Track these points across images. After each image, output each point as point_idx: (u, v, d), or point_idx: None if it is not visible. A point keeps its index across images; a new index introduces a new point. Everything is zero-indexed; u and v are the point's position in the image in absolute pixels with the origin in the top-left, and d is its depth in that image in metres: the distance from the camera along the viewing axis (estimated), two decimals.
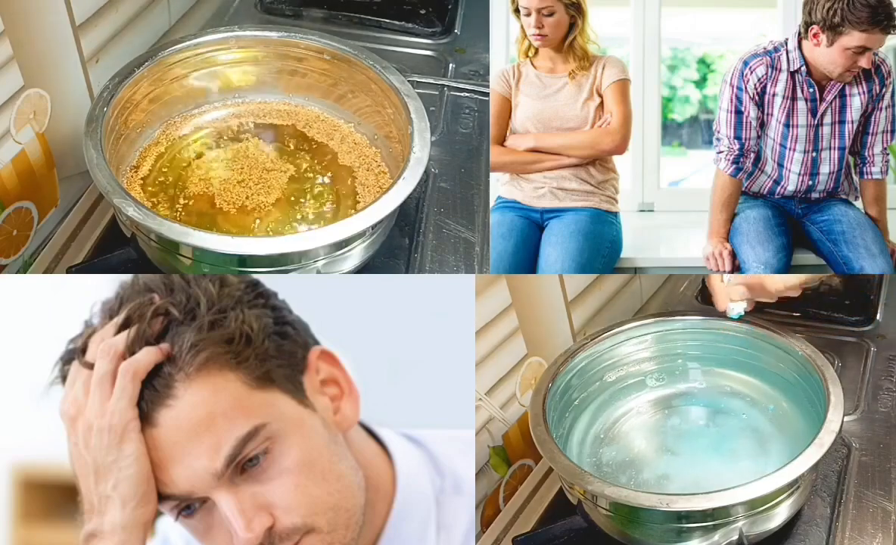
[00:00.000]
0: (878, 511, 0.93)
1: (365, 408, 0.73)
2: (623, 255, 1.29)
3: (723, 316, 1.03)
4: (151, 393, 0.64)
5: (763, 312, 1.29)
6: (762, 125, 1.25)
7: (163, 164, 1.02)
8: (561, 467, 0.86)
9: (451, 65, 1.35)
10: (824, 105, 1.23)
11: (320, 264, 0.87)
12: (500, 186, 1.32)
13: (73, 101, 1.04)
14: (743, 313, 1.00)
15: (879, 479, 0.97)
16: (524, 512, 1.04)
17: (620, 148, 1.28)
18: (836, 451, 0.99)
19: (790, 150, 1.25)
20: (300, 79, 1.09)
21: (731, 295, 1.00)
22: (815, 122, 1.24)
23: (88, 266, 0.99)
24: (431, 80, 1.29)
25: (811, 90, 1.23)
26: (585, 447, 0.99)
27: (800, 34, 1.21)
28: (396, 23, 1.40)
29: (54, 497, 1.37)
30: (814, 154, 1.25)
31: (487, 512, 1.02)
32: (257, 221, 0.96)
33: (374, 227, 0.87)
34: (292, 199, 0.99)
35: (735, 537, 0.82)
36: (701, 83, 1.63)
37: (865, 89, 1.23)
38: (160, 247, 0.87)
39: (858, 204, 1.30)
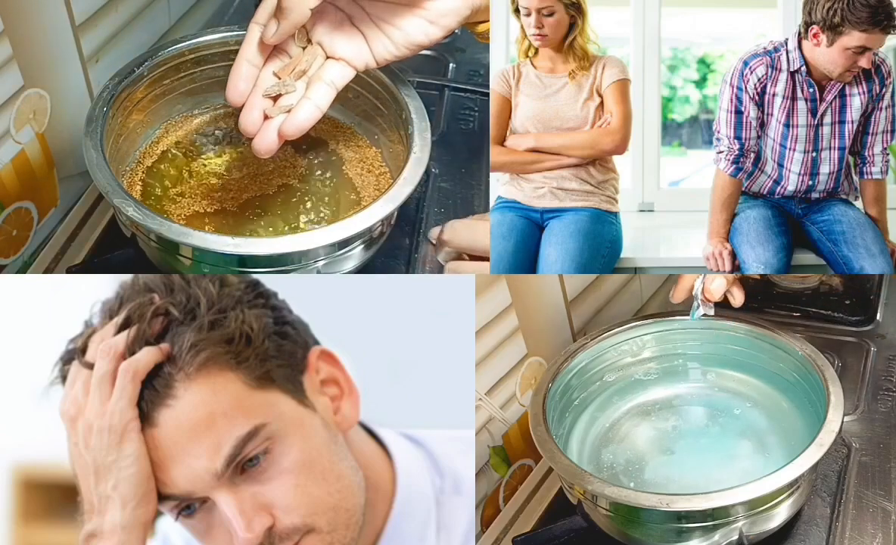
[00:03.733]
0: (878, 511, 0.93)
1: (365, 408, 0.73)
2: (623, 254, 1.29)
3: (722, 316, 1.03)
4: (151, 393, 0.64)
5: (763, 312, 1.29)
6: (762, 125, 1.26)
7: (163, 164, 1.02)
8: (561, 467, 0.86)
9: (451, 65, 1.34)
10: (824, 105, 1.23)
11: (320, 264, 0.87)
12: (500, 186, 1.32)
13: (73, 101, 1.04)
14: (701, 317, 1.00)
15: (879, 479, 0.97)
16: (524, 512, 1.04)
17: (620, 148, 1.28)
18: (836, 451, 0.99)
19: (790, 150, 1.25)
20: None
21: (711, 295, 0.99)
22: (815, 122, 1.24)
23: (88, 266, 0.99)
24: (431, 80, 1.29)
25: (811, 90, 1.23)
26: (585, 447, 0.99)
27: (800, 34, 1.22)
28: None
29: (54, 497, 1.37)
30: (814, 154, 1.25)
31: (487, 512, 1.02)
32: (257, 221, 0.96)
33: (373, 227, 0.87)
34: (293, 199, 0.99)
35: (735, 537, 0.82)
36: (701, 83, 1.63)
37: (865, 89, 1.23)
38: (160, 247, 0.87)
39: (858, 204, 1.30)
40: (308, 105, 0.87)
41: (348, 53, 0.89)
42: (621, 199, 1.32)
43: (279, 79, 0.88)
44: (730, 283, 0.99)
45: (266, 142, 0.87)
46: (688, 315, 1.06)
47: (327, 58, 0.90)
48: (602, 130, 1.27)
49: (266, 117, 0.87)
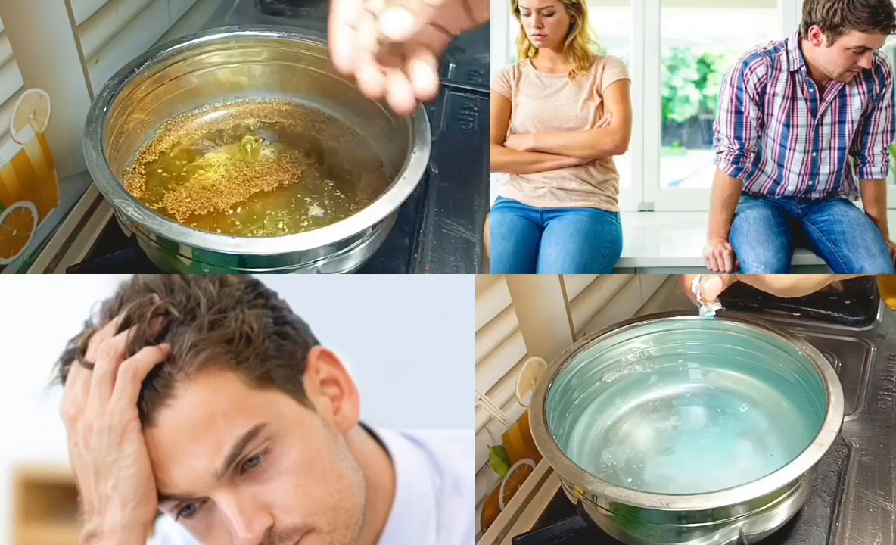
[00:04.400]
0: (878, 511, 0.92)
1: (365, 408, 0.73)
2: (623, 254, 1.29)
3: (722, 315, 1.02)
4: (151, 393, 0.64)
5: (763, 312, 1.29)
6: (762, 125, 1.25)
7: (163, 164, 1.02)
8: (561, 467, 0.86)
9: (451, 65, 1.34)
10: (824, 105, 1.23)
11: (320, 264, 0.87)
12: (500, 186, 1.32)
13: (73, 101, 1.04)
14: (714, 316, 0.98)
15: (879, 479, 0.97)
16: (524, 512, 1.04)
17: (620, 148, 1.28)
18: (836, 451, 0.99)
19: (790, 150, 1.25)
20: (300, 78, 1.09)
21: (705, 295, 0.97)
22: (815, 122, 1.24)
23: (88, 266, 0.99)
24: None
25: (811, 90, 1.23)
26: (585, 447, 0.99)
27: (800, 34, 1.22)
28: None
29: (54, 497, 1.37)
30: (814, 154, 1.25)
31: (487, 512, 1.02)
32: (257, 221, 0.96)
33: (374, 226, 0.87)
34: (292, 199, 0.99)
35: (735, 537, 0.82)
36: (701, 83, 1.63)
37: (865, 89, 1.23)
38: (160, 247, 0.87)
39: (858, 204, 1.30)
40: (429, 69, 0.82)
41: (444, 21, 0.83)
42: (621, 199, 1.32)
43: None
44: (726, 283, 0.98)
45: (406, 101, 0.81)
46: (689, 315, 1.06)
47: None
48: (602, 130, 1.27)
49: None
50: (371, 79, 0.81)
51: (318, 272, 0.88)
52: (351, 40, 0.80)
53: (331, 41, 0.81)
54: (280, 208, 0.98)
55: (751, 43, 1.27)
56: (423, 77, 0.81)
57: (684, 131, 1.65)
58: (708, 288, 0.97)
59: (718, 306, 0.98)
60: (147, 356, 0.64)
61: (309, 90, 1.10)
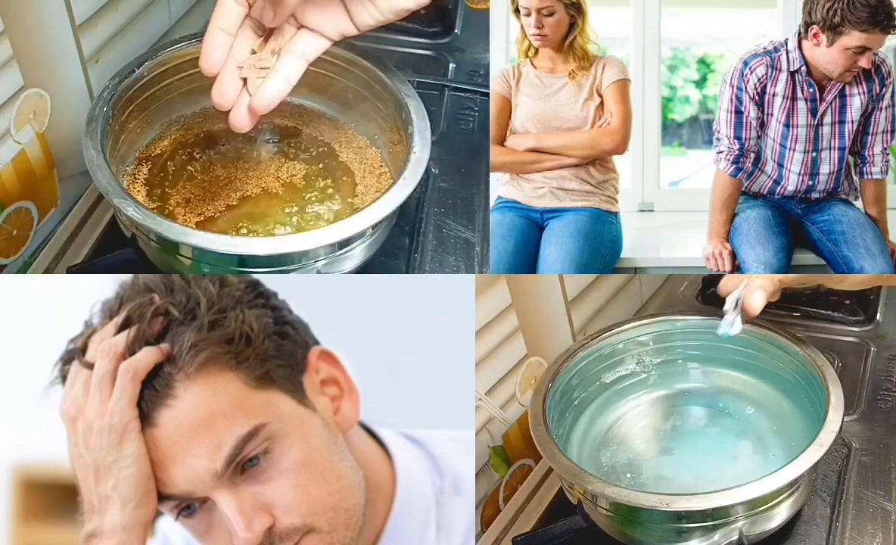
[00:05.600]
0: (878, 511, 0.92)
1: (365, 408, 0.73)
2: (623, 254, 1.29)
3: (723, 316, 1.02)
4: (151, 393, 0.64)
5: (763, 312, 1.29)
6: (762, 125, 1.26)
7: (163, 163, 1.02)
8: (561, 467, 0.86)
9: (451, 65, 1.34)
10: (824, 105, 1.23)
11: (320, 264, 0.87)
12: (500, 186, 1.32)
13: (73, 101, 1.04)
14: (730, 333, 0.91)
15: (879, 479, 0.97)
16: (524, 512, 1.04)
17: (620, 148, 1.29)
18: (836, 451, 0.99)
19: (790, 149, 1.25)
20: (300, 78, 1.09)
21: (751, 310, 0.88)
22: (815, 122, 1.24)
23: (88, 266, 0.99)
24: (431, 80, 1.28)
25: (811, 90, 1.23)
26: (585, 447, 0.99)
27: (800, 34, 1.22)
28: (396, 22, 1.39)
29: (54, 497, 1.37)
30: (814, 154, 1.25)
31: (487, 512, 1.02)
32: (257, 221, 0.96)
33: (374, 227, 0.87)
34: (292, 199, 0.99)
35: (735, 537, 0.82)
36: (701, 83, 1.63)
37: (865, 89, 1.23)
38: (160, 247, 0.87)
39: (858, 204, 1.30)
40: (277, 78, 0.83)
41: (321, 24, 0.84)
42: (621, 199, 1.32)
43: (255, 52, 0.84)
44: (770, 295, 0.89)
45: (240, 117, 0.83)
46: (688, 315, 1.06)
47: (300, 27, 0.85)
48: (602, 130, 1.27)
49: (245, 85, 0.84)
50: (221, 93, 0.82)
51: (318, 272, 0.88)
52: (223, 47, 0.81)
53: (204, 43, 0.81)
54: (280, 208, 0.98)
55: (751, 43, 1.28)
56: (260, 90, 0.82)
57: (684, 131, 1.65)
58: (754, 303, 0.87)
59: (741, 326, 0.91)
60: (147, 356, 0.64)
61: (308, 90, 1.09)
